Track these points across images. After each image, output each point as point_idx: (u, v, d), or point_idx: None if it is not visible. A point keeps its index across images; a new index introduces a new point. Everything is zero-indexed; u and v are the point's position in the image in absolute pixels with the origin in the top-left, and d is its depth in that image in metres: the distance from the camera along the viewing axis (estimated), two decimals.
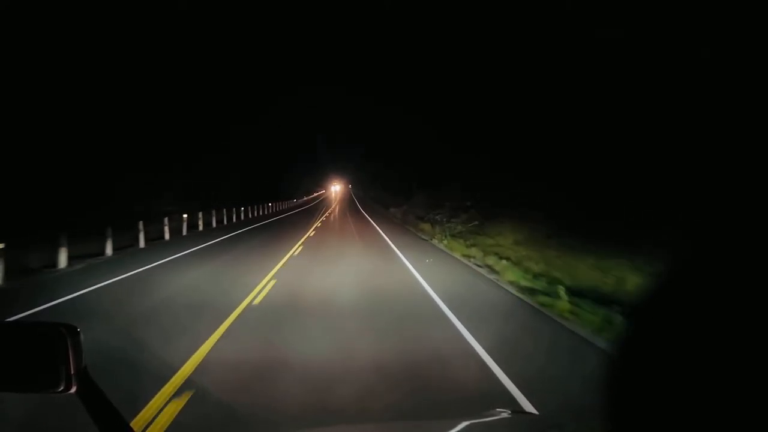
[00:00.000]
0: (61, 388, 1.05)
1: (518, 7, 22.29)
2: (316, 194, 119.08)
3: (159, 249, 15.70)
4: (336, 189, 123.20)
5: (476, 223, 20.89)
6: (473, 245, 16.57)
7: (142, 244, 16.28)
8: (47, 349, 1.06)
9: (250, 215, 35.22)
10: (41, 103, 20.90)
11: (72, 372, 1.05)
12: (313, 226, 26.24)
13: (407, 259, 13.49)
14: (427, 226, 23.60)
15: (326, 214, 42.10)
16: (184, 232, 20.60)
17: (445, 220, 22.95)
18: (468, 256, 14.62)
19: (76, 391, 1.05)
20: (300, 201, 79.94)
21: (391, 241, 18.83)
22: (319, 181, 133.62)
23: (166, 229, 18.54)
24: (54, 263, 12.09)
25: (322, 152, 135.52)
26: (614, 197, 14.70)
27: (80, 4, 24.15)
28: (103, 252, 14.18)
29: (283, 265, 12.34)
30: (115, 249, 14.92)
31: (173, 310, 7.66)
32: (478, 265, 13.10)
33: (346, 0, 57.98)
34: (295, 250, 15.37)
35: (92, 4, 24.86)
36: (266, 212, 42.05)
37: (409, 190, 46.08)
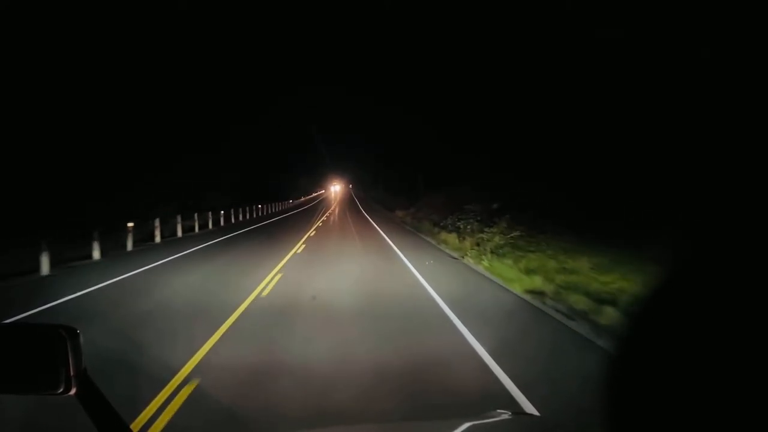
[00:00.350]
0: (61, 389, 1.01)
1: (518, 7, 22.01)
2: (315, 194, 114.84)
3: (72, 277, 10.55)
4: (336, 189, 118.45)
5: (518, 233, 15.78)
6: (530, 270, 11.46)
7: (45, 270, 11.07)
8: (47, 351, 1.03)
9: (233, 220, 30.07)
10: (40, 103, 20.17)
11: (72, 374, 1.01)
12: (306, 236, 21.08)
13: (441, 297, 8.40)
14: (450, 237, 18.45)
15: (324, 217, 36.76)
16: (129, 248, 15.42)
17: (469, 228, 17.80)
18: (535, 293, 9.49)
19: (76, 393, 1.02)
20: (297, 202, 75.31)
21: (407, 259, 13.73)
22: (319, 181, 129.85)
23: (96, 244, 13.33)
24: None
25: (322, 152, 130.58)
26: (614, 196, 14.21)
27: (80, 4, 23.35)
28: None
29: (242, 312, 7.26)
30: (6, 275, 10.01)
31: None
32: (566, 314, 7.96)
33: (346, 0, 55.99)
34: (271, 280, 10.23)
35: (92, 3, 24.09)
36: (257, 215, 36.95)
37: (413, 190, 41.18)
